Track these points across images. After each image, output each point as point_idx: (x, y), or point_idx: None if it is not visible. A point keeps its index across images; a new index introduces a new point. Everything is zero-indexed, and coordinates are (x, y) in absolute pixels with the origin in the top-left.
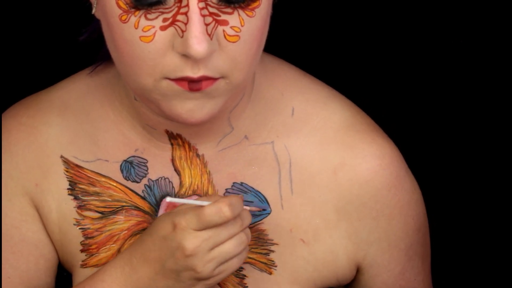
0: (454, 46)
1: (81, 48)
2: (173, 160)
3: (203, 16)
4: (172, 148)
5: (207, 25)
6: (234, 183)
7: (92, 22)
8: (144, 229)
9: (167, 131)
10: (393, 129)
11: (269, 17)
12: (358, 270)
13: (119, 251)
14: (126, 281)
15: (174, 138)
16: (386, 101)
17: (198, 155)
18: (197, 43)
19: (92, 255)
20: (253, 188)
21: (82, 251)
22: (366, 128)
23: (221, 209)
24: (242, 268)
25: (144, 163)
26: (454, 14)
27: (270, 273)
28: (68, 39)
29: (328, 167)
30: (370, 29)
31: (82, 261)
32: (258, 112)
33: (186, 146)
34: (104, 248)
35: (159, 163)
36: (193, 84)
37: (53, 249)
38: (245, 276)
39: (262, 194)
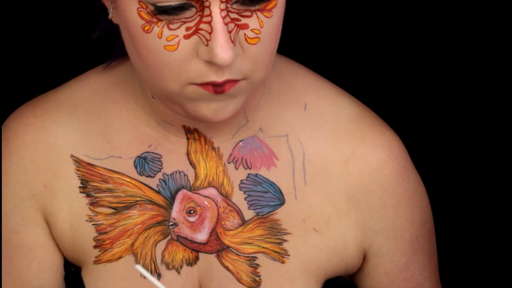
0: (454, 46)
1: (82, 51)
2: (188, 154)
3: (226, 24)
4: (188, 142)
5: (230, 32)
6: (249, 174)
7: (101, 22)
8: (158, 223)
9: (184, 126)
10: (394, 128)
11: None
12: (364, 258)
13: (132, 245)
14: None
15: (190, 132)
16: (386, 101)
17: (213, 148)
18: (223, 52)
19: (106, 250)
20: (267, 179)
21: (95, 247)
22: (375, 122)
23: None
24: (255, 257)
25: (158, 158)
26: (454, 14)
27: (283, 262)
28: (68, 43)
29: (339, 158)
30: (370, 30)
31: (95, 257)
32: (271, 105)
33: (202, 140)
34: (118, 243)
35: (174, 158)
36: (217, 87)
37: (50, 250)
38: (258, 265)
39: (276, 185)
